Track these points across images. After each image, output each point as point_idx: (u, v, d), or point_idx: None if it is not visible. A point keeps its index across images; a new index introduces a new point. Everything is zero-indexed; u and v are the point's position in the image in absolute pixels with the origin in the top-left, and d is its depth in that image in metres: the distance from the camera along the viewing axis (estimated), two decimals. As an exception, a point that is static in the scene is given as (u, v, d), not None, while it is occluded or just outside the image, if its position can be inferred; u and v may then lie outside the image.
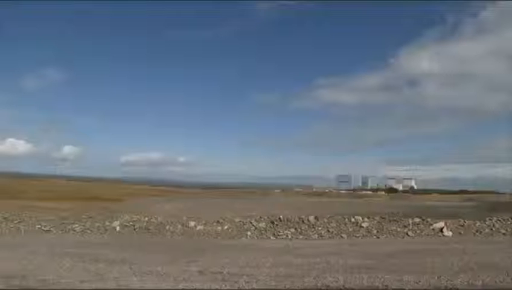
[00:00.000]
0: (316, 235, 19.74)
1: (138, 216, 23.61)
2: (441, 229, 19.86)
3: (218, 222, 21.91)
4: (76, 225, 22.04)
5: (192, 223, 21.64)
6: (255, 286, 9.53)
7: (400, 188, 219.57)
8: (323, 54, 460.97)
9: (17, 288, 9.28)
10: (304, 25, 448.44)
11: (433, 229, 20.07)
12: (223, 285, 9.54)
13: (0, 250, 15.62)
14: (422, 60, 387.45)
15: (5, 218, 23.69)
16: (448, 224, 20.51)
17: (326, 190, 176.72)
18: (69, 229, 21.68)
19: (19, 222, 23.01)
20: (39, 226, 22.27)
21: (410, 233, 19.59)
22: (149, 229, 21.32)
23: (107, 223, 22.21)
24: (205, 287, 9.39)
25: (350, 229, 20.39)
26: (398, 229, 20.15)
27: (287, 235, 19.78)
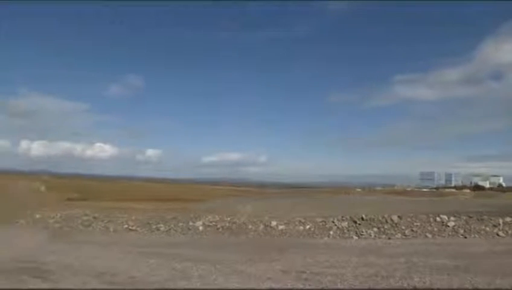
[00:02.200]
0: (400, 235, 19.23)
1: (220, 216, 23.92)
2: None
3: (299, 221, 21.83)
4: (161, 225, 22.67)
5: (274, 223, 21.69)
6: (340, 286, 9.43)
7: (487, 185, 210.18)
8: (400, 51, 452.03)
9: (106, 285, 9.65)
10: (378, 23, 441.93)
11: (526, 229, 19.05)
12: (307, 284, 9.52)
13: (91, 248, 16.33)
14: (507, 52, 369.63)
15: (95, 218, 24.80)
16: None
17: (408, 188, 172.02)
18: (154, 229, 22.35)
19: (107, 221, 23.98)
20: (126, 225, 23.11)
21: (501, 233, 18.64)
22: (231, 229, 21.57)
23: (191, 223, 22.66)
24: (289, 287, 9.40)
25: (435, 229, 19.70)
26: (487, 229, 19.23)
27: (370, 235, 19.42)
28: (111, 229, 22.71)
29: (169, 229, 22.18)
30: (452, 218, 20.70)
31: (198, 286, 9.65)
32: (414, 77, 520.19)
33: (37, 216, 26.17)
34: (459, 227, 19.61)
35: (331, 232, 20.19)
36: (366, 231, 19.81)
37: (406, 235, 19.10)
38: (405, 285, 9.28)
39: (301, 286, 9.36)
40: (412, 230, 19.64)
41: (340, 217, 22.06)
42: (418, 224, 20.27)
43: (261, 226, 21.53)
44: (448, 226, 19.83)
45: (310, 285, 9.48)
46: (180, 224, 22.74)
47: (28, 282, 9.88)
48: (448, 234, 18.93)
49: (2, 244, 17.31)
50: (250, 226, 21.66)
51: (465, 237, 18.38)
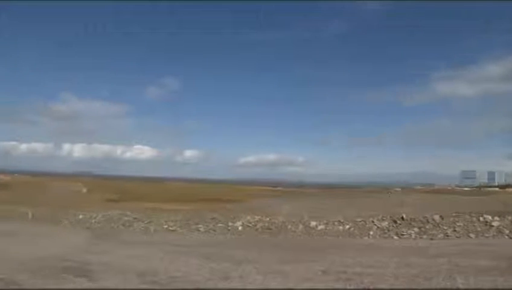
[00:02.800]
0: (442, 235, 18.86)
1: (259, 216, 23.96)
2: None
3: (339, 221, 21.69)
4: (201, 226, 22.87)
5: (313, 223, 21.61)
6: (383, 286, 9.30)
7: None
8: (437, 48, 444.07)
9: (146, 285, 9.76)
10: (415, 21, 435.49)
11: None
12: (347, 285, 9.42)
13: (132, 248, 16.59)
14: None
15: (135, 218, 25.19)
16: None
17: (449, 187, 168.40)
18: (193, 229, 22.55)
19: (148, 222, 24.31)
20: (166, 226, 23.40)
21: (550, 234, 18.13)
22: (271, 229, 21.58)
23: (230, 224, 22.78)
24: (329, 287, 9.33)
25: (478, 229, 19.25)
26: (535, 230, 18.71)
27: (411, 235, 19.13)
28: (151, 230, 23.02)
29: (209, 229, 22.35)
30: (496, 218, 20.21)
31: (238, 286, 9.66)
32: (453, 73, 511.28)
33: (80, 217, 26.74)
34: (504, 227, 19.11)
35: (371, 232, 20.00)
36: (407, 231, 19.54)
37: (448, 236, 18.73)
38: (448, 286, 9.09)
39: (341, 286, 9.27)
40: (455, 230, 19.26)
41: (380, 217, 21.83)
42: (461, 224, 19.86)
43: (300, 226, 21.48)
44: (493, 226, 19.36)
45: (350, 285, 9.38)
46: (220, 224, 22.88)
47: (72, 280, 10.09)
48: (493, 235, 18.46)
49: (47, 243, 17.73)
50: (289, 227, 21.64)
51: (511, 238, 17.90)
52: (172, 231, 22.67)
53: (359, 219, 21.95)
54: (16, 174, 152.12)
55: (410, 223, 20.49)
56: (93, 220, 25.67)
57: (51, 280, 10.14)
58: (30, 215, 28.33)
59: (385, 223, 20.89)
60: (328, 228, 21.02)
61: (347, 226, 20.99)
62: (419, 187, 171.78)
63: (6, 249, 15.67)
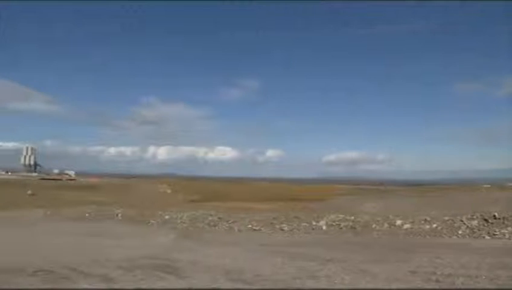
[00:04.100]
0: (541, 235, 17.86)
1: (343, 215, 23.68)
2: None
3: (425, 220, 21.04)
4: (285, 225, 22.91)
5: (398, 222, 21.11)
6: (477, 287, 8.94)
7: None
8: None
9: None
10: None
11: None
12: (438, 286, 9.11)
13: (217, 247, 16.94)
14: None
15: (219, 218, 25.63)
16: None
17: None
18: (277, 228, 22.64)
19: (232, 222, 24.64)
20: (250, 225, 23.63)
21: None
22: (355, 228, 21.29)
23: (314, 223, 22.68)
24: (419, 287, 9.07)
25: None
26: None
27: (504, 235, 18.20)
28: (235, 229, 23.35)
29: (293, 228, 22.36)
30: None
31: (326, 285, 9.58)
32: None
33: (166, 217, 27.54)
34: None
35: (460, 232, 19.26)
36: (500, 231, 18.61)
37: (546, 235, 17.71)
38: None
39: (432, 287, 8.99)
40: (554, 229, 18.17)
41: (469, 216, 20.95)
42: (561, 223, 18.73)
43: (385, 225, 21.05)
44: None
45: (440, 287, 9.07)
46: (303, 223, 22.83)
47: (161, 277, 10.38)
48: None
49: (137, 243, 18.45)
50: (374, 225, 21.26)
51: None
52: (256, 230, 22.88)
53: (447, 218, 21.18)
54: (105, 177, 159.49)
55: (503, 222, 19.48)
56: (179, 220, 26.37)
57: (142, 277, 10.50)
58: (119, 215, 29.49)
59: (475, 222, 20.02)
60: (414, 227, 20.45)
61: (434, 225, 20.32)
62: (511, 184, 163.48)
63: (99, 248, 16.42)
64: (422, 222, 20.93)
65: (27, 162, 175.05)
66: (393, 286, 9.28)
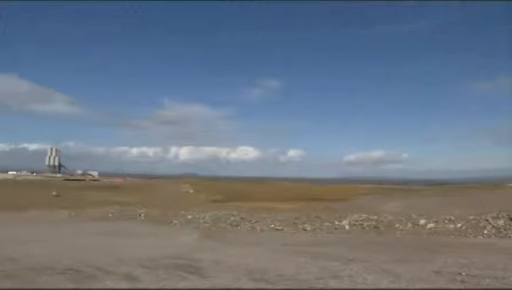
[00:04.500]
0: None
1: (366, 215, 23.54)
2: None
3: (449, 219, 20.81)
4: (307, 225, 22.83)
5: (422, 221, 20.91)
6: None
7: None
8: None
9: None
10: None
11: None
12: (462, 287, 8.99)
13: (240, 247, 16.92)
14: None
15: (242, 218, 25.64)
16: None
17: None
18: (300, 228, 22.58)
19: (254, 221, 24.64)
20: (272, 225, 23.59)
21: None
22: (378, 228, 21.15)
23: (336, 223, 22.58)
24: (443, 288, 8.96)
25: None
26: None
27: (532, 234, 17.95)
28: (258, 229, 23.34)
29: (315, 228, 22.28)
30: None
31: (349, 285, 9.52)
32: None
33: (189, 217, 27.64)
34: None
35: (485, 231, 18.99)
36: (527, 231, 18.33)
37: None
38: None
39: (457, 288, 8.87)
40: None
41: (494, 215, 20.66)
42: None
43: (409, 225, 20.87)
44: None
45: (466, 287, 8.95)
46: (326, 223, 22.74)
47: (184, 277, 10.42)
48: None
49: (161, 243, 18.54)
50: (397, 225, 21.09)
51: None
52: (279, 230, 22.84)
53: (471, 217, 20.91)
54: (128, 177, 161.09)
55: (530, 221, 19.21)
56: (201, 220, 26.44)
57: (165, 276, 10.56)
58: (142, 215, 29.71)
59: (501, 222, 19.73)
60: (438, 227, 20.23)
61: (459, 225, 20.08)
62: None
63: (122, 248, 16.54)
64: (446, 221, 20.70)
65: (51, 163, 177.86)
66: (417, 286, 9.18)
